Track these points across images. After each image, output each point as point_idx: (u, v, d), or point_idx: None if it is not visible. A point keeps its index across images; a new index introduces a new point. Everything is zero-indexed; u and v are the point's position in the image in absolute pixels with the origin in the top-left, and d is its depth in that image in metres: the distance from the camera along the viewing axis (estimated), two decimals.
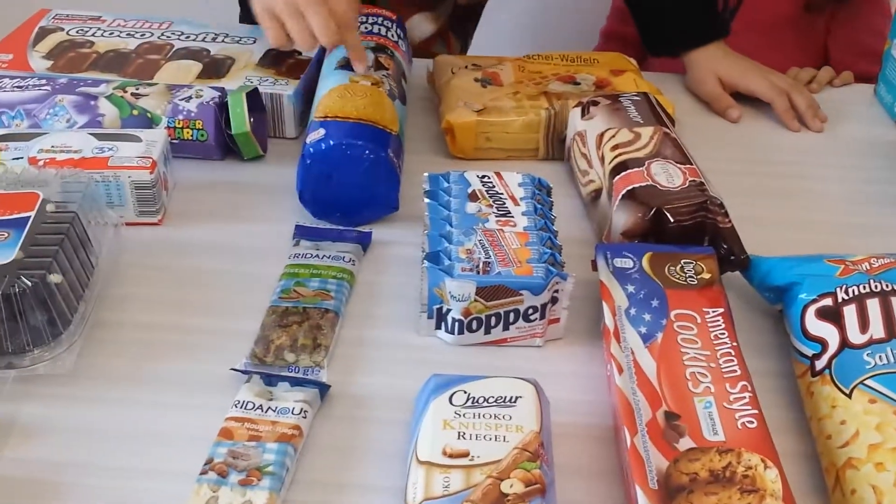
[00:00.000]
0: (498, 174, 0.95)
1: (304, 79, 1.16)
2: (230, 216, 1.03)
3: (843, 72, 1.39)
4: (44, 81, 1.10)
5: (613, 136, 1.01)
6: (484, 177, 0.95)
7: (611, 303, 0.83)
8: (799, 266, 0.86)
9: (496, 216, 0.90)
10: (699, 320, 0.80)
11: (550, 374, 0.80)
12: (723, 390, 0.73)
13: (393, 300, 0.92)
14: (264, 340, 0.84)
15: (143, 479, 0.73)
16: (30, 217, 0.84)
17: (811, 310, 0.82)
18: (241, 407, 0.76)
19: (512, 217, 0.90)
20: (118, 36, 1.24)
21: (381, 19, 1.20)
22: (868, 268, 0.83)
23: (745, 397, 0.73)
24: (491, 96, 1.15)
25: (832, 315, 0.80)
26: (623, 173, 0.95)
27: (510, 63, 1.24)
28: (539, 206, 0.92)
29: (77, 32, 1.25)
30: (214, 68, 1.18)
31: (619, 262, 0.86)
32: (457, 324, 0.85)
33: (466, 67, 1.22)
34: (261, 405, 0.76)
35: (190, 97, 1.07)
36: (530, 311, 0.84)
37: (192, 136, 1.07)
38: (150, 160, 0.97)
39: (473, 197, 0.92)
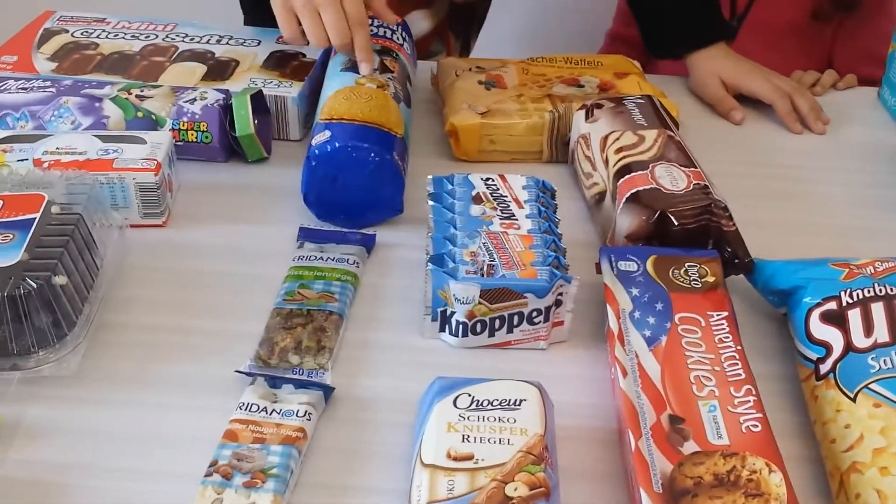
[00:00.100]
0: (502, 177, 0.95)
1: (308, 81, 1.16)
2: (234, 218, 1.03)
3: (846, 75, 1.39)
4: (48, 83, 1.10)
5: (617, 139, 1.01)
6: (488, 179, 0.95)
7: (615, 306, 0.83)
8: (803, 270, 0.86)
9: (500, 219, 0.90)
10: (703, 324, 0.80)
11: (554, 377, 0.80)
12: (727, 394, 0.73)
13: (397, 303, 0.92)
14: (268, 342, 0.84)
15: (148, 480, 0.73)
16: (35, 219, 0.84)
17: (815, 313, 0.82)
18: (245, 409, 0.76)
19: (516, 220, 0.90)
20: (123, 38, 1.24)
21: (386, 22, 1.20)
22: (872, 271, 0.83)
23: (749, 401, 0.73)
24: (495, 99, 1.15)
25: (837, 319, 0.80)
26: (627, 176, 0.95)
27: (514, 66, 1.24)
28: (543, 208, 0.92)
29: (82, 34, 1.25)
30: (219, 70, 1.18)
31: (624, 266, 0.86)
32: (461, 326, 0.85)
33: (470, 70, 1.22)
34: (265, 407, 0.76)
35: (194, 99, 1.07)
36: (534, 313, 0.84)
37: (196, 138, 1.07)
38: (155, 162, 0.97)
39: (477, 199, 0.92)
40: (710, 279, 0.85)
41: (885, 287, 0.81)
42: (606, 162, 1.00)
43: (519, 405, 0.72)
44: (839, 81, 1.39)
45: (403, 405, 0.79)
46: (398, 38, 1.18)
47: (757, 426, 0.71)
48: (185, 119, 1.06)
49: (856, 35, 1.49)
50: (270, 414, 0.76)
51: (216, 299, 0.92)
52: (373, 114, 1.01)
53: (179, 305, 0.91)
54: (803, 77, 1.38)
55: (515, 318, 0.85)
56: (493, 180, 0.95)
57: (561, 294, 0.85)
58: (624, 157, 0.98)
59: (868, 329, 0.78)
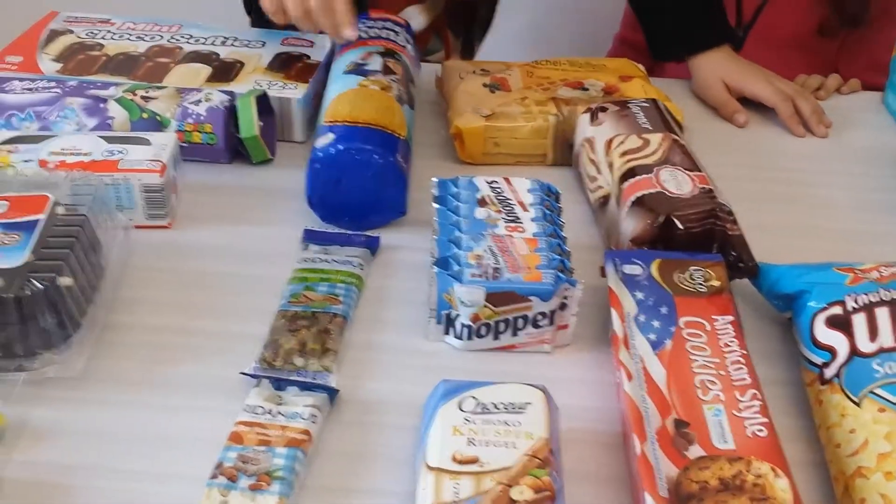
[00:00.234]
0: (507, 180, 0.95)
1: (312, 83, 1.16)
2: (239, 220, 1.03)
3: (850, 79, 1.39)
4: (53, 84, 1.10)
5: (622, 143, 1.01)
6: (493, 182, 0.95)
7: (620, 309, 0.83)
8: (808, 274, 0.86)
9: (505, 222, 0.90)
10: (708, 328, 0.80)
11: (559, 381, 0.80)
12: (732, 398, 0.73)
13: (401, 305, 0.92)
14: (273, 344, 0.84)
15: (153, 482, 0.73)
16: (40, 220, 0.84)
17: (820, 318, 0.82)
18: (250, 411, 0.76)
19: (521, 223, 0.90)
20: (128, 39, 1.24)
21: (389, 23, 1.20)
22: (878, 276, 0.83)
23: (754, 405, 0.73)
24: (499, 102, 1.15)
25: (841, 323, 0.80)
26: (632, 180, 0.95)
27: (518, 68, 1.24)
28: (548, 212, 0.92)
29: (87, 35, 1.25)
30: (223, 72, 1.18)
31: (628, 269, 0.86)
32: (465, 329, 0.85)
33: (475, 73, 1.22)
34: (270, 409, 0.76)
35: (199, 101, 1.07)
36: (539, 317, 0.85)
37: (201, 139, 1.07)
38: (160, 163, 0.97)
39: (482, 202, 0.92)
40: (715, 283, 0.85)
41: (889, 292, 0.81)
42: (611, 165, 1.00)
43: (524, 409, 0.72)
44: (843, 86, 1.39)
45: (408, 408, 0.79)
46: (401, 40, 1.18)
47: (762, 431, 0.71)
48: (189, 120, 1.06)
49: (861, 50, 1.48)
50: (276, 416, 0.76)
51: (221, 301, 0.92)
52: (376, 116, 1.01)
53: (184, 307, 0.91)
54: (807, 81, 1.38)
55: (520, 322, 0.85)
56: (498, 183, 0.95)
57: (566, 297, 0.85)
58: (629, 161, 0.98)
59: (873, 334, 0.78)
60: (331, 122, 1.01)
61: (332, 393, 0.80)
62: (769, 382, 0.79)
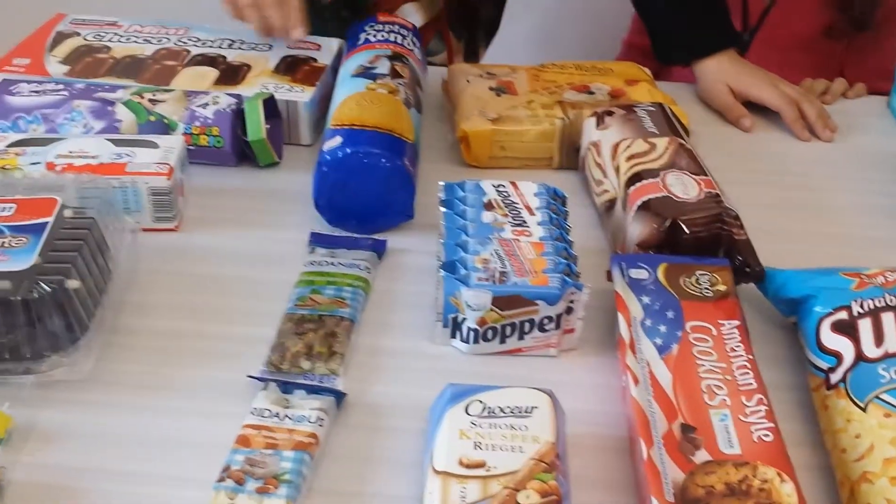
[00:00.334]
0: (513, 183, 0.95)
1: (319, 86, 1.17)
2: (246, 223, 1.03)
3: (856, 84, 1.39)
4: (61, 86, 1.11)
5: (629, 147, 1.01)
6: (499, 186, 0.95)
7: (626, 314, 0.83)
8: (814, 279, 0.86)
9: (512, 226, 0.90)
10: (715, 332, 0.80)
11: (564, 384, 0.80)
12: (739, 403, 0.74)
13: (408, 308, 0.93)
14: (280, 348, 0.85)
15: (160, 485, 0.74)
16: (48, 223, 0.84)
17: (826, 323, 0.82)
18: (258, 414, 0.76)
19: (527, 227, 0.90)
20: (135, 41, 1.25)
21: (397, 27, 1.20)
22: (883, 281, 0.83)
23: (761, 410, 0.73)
24: (506, 105, 1.15)
25: (847, 328, 0.80)
26: (638, 184, 0.96)
27: (524, 72, 1.24)
28: (554, 216, 0.92)
29: (94, 37, 1.25)
30: (230, 75, 1.18)
31: (635, 273, 0.86)
32: (472, 333, 0.86)
33: (481, 76, 1.22)
34: (277, 413, 0.76)
35: (207, 104, 1.07)
36: (545, 321, 0.85)
37: (208, 142, 1.07)
38: (168, 166, 0.98)
39: (489, 206, 0.92)
40: (722, 288, 0.85)
41: (895, 298, 0.81)
42: (617, 169, 1.00)
43: (531, 412, 0.73)
44: (849, 90, 1.39)
45: (414, 411, 0.79)
46: (408, 44, 1.19)
47: (769, 436, 0.71)
48: (197, 123, 1.06)
49: (867, 53, 1.48)
50: (283, 419, 0.76)
51: (228, 304, 0.92)
52: (384, 119, 1.01)
53: (191, 310, 0.91)
54: (813, 85, 1.38)
55: (526, 326, 0.85)
56: (505, 187, 0.95)
57: (572, 301, 0.85)
58: (635, 165, 0.98)
59: (879, 339, 0.79)
60: (338, 125, 1.01)
61: (339, 396, 0.80)
62: (775, 387, 0.79)
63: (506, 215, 0.91)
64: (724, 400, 0.74)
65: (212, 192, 1.07)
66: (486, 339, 0.86)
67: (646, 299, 0.83)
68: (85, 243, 0.84)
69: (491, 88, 1.19)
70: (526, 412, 0.73)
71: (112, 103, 1.08)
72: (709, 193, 0.93)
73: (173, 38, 1.26)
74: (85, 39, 1.25)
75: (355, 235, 1.00)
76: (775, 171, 1.19)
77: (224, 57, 1.22)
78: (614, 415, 0.81)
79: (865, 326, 0.80)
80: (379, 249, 0.98)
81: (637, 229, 0.92)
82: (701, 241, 0.90)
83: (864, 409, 0.75)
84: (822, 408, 0.79)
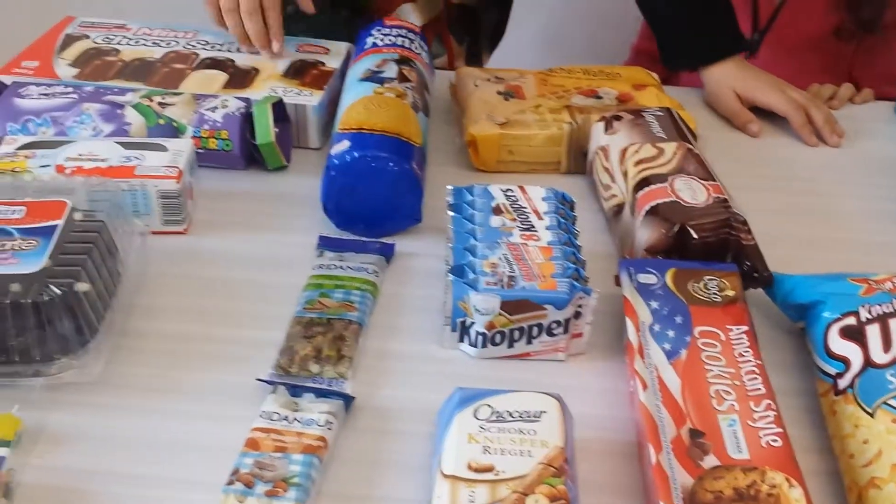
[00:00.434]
0: (522, 188, 0.96)
1: (327, 90, 1.17)
2: (254, 226, 1.03)
3: (864, 89, 1.39)
4: (70, 89, 1.11)
5: (637, 152, 1.02)
6: (508, 190, 0.95)
7: (634, 318, 0.83)
8: (822, 284, 0.86)
9: (520, 230, 0.90)
10: (723, 338, 0.80)
11: (572, 389, 0.80)
12: (747, 408, 0.74)
13: (416, 312, 0.93)
14: (289, 351, 0.85)
15: (170, 488, 0.74)
16: (58, 225, 0.85)
17: (834, 328, 0.82)
18: (267, 417, 0.76)
19: (536, 231, 0.90)
20: (144, 45, 1.25)
21: (404, 31, 1.20)
22: (891, 287, 0.83)
23: (769, 416, 0.73)
24: (513, 109, 1.16)
25: (855, 334, 0.81)
26: (646, 189, 0.96)
27: (532, 76, 1.24)
28: (563, 220, 0.92)
29: (103, 40, 1.26)
30: (239, 78, 1.19)
31: (643, 278, 0.86)
32: (480, 337, 0.86)
33: (489, 80, 1.23)
34: (286, 416, 0.77)
35: (216, 107, 1.08)
36: (554, 325, 0.85)
37: (217, 145, 1.08)
38: (177, 170, 0.98)
39: (497, 211, 0.92)
40: (730, 293, 0.85)
41: None
42: (625, 174, 1.00)
43: (539, 417, 0.73)
44: (856, 95, 1.39)
45: (423, 415, 0.80)
46: (416, 48, 1.19)
47: (777, 441, 0.71)
48: (206, 127, 1.07)
49: (876, 55, 1.48)
50: (292, 423, 0.76)
51: (236, 307, 0.92)
52: (392, 123, 1.01)
53: (200, 313, 0.91)
54: (820, 90, 1.38)
55: (535, 330, 0.85)
56: (513, 192, 0.95)
57: (580, 306, 0.85)
58: (643, 170, 0.99)
59: (887, 345, 0.79)
60: (346, 129, 1.01)
61: (347, 400, 0.80)
62: (783, 392, 0.79)
63: (514, 220, 0.91)
64: (733, 405, 0.74)
65: (220, 195, 1.07)
66: (494, 344, 0.86)
67: (654, 304, 0.84)
68: (95, 246, 0.85)
69: (499, 92, 1.20)
70: (534, 416, 0.73)
71: (121, 106, 1.08)
72: (717, 198, 0.93)
73: (182, 42, 1.26)
74: (94, 42, 1.25)
75: (363, 239, 1.00)
76: (783, 177, 1.19)
77: (233, 61, 1.22)
78: (622, 419, 0.81)
79: (874, 332, 0.80)
80: (387, 253, 0.98)
81: (645, 234, 0.92)
82: (709, 246, 0.90)
83: (872, 415, 0.75)
84: (830, 413, 0.79)
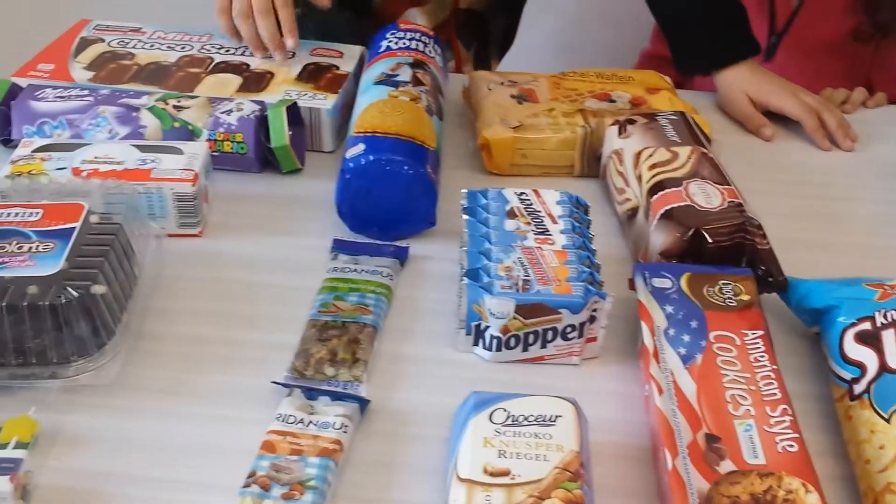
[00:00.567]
0: (536, 192, 0.96)
1: (342, 93, 1.17)
2: (269, 229, 1.04)
3: (877, 93, 1.39)
4: (86, 92, 1.11)
5: (651, 155, 1.02)
6: (522, 194, 0.95)
7: (650, 323, 0.83)
8: (837, 289, 0.86)
9: (535, 234, 0.90)
10: (738, 342, 0.80)
11: (586, 393, 0.80)
12: (763, 413, 0.74)
13: (430, 315, 0.93)
14: (304, 354, 0.85)
15: (186, 490, 0.74)
16: (75, 228, 0.85)
17: (850, 333, 0.82)
18: (283, 420, 0.77)
19: (550, 235, 0.90)
20: (159, 48, 1.25)
21: (418, 35, 1.20)
22: None
23: (785, 421, 0.73)
24: (527, 113, 1.16)
25: (871, 339, 0.80)
26: (661, 193, 0.96)
27: (546, 80, 1.24)
28: (577, 224, 0.92)
29: (118, 44, 1.26)
30: (254, 82, 1.19)
31: (658, 283, 0.86)
32: (495, 341, 0.86)
33: (502, 84, 1.23)
34: (302, 419, 0.77)
35: (231, 110, 1.08)
36: (568, 329, 0.85)
37: (232, 148, 1.08)
38: (193, 173, 0.98)
39: (512, 214, 0.93)
40: (745, 297, 0.85)
41: None
42: (640, 178, 1.00)
43: (554, 421, 0.73)
44: (869, 99, 1.38)
45: (437, 418, 0.80)
46: (430, 51, 1.19)
47: (793, 446, 0.71)
48: (221, 130, 1.07)
49: (893, 59, 1.48)
50: (308, 426, 0.76)
51: (252, 310, 0.92)
52: (406, 127, 1.02)
53: (216, 315, 0.91)
54: (833, 94, 1.38)
55: (549, 334, 0.85)
56: (527, 195, 0.95)
57: (595, 310, 0.85)
58: (657, 174, 0.99)
59: None
60: (361, 132, 1.01)
61: (362, 403, 0.80)
62: (798, 397, 0.79)
63: (528, 223, 0.91)
64: (749, 410, 0.74)
65: (235, 198, 1.07)
66: (508, 347, 0.86)
67: (669, 308, 0.84)
68: (111, 249, 0.85)
69: (512, 96, 1.20)
70: (550, 421, 0.73)
71: (137, 109, 1.08)
72: (731, 202, 0.93)
73: (197, 46, 1.26)
74: (109, 45, 1.26)
75: (378, 242, 1.00)
76: (796, 181, 1.19)
77: (247, 65, 1.22)
78: (636, 424, 0.81)
79: (889, 337, 0.80)
80: (401, 256, 0.99)
81: (660, 238, 0.92)
82: (724, 250, 0.90)
83: (887, 420, 0.75)
84: (846, 418, 0.79)
